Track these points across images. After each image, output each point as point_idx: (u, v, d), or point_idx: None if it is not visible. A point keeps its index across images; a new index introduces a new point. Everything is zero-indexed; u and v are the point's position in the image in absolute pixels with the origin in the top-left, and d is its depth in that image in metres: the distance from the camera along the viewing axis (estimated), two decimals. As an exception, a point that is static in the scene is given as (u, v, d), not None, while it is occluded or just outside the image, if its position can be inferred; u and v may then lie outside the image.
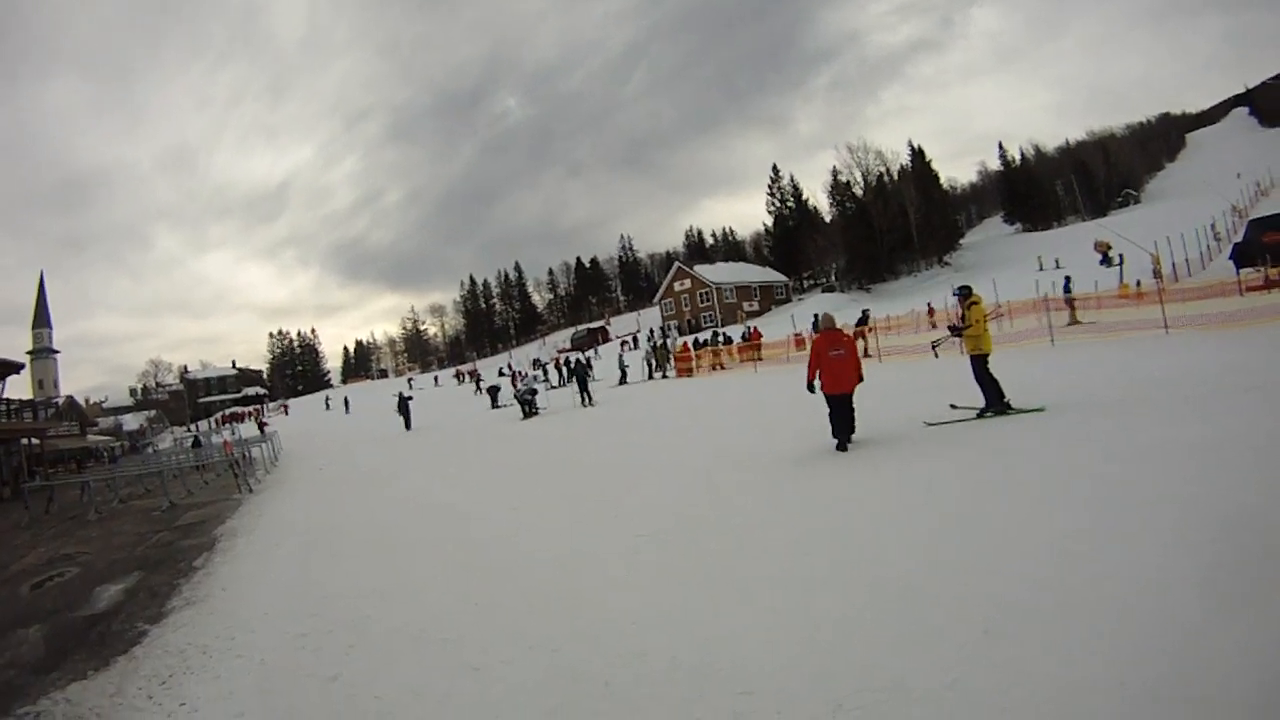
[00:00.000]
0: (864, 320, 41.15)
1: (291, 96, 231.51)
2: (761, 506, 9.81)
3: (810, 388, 12.86)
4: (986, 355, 13.59)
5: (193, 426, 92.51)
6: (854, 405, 12.75)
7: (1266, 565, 5.22)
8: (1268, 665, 4.08)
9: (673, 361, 46.14)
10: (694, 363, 44.73)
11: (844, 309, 70.05)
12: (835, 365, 12.69)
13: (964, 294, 14.37)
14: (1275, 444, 8.26)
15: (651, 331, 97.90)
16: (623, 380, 44.34)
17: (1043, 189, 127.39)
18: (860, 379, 12.87)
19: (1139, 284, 40.79)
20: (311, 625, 7.34)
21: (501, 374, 62.30)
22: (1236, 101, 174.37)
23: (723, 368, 43.48)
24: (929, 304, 55.56)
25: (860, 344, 30.47)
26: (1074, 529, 6.81)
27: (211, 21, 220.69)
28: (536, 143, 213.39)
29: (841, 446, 12.44)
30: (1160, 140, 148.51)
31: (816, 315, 24.54)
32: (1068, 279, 39.55)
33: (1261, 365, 14.27)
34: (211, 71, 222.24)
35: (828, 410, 12.75)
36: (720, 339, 51.98)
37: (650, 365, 46.19)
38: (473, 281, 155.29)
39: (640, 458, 15.88)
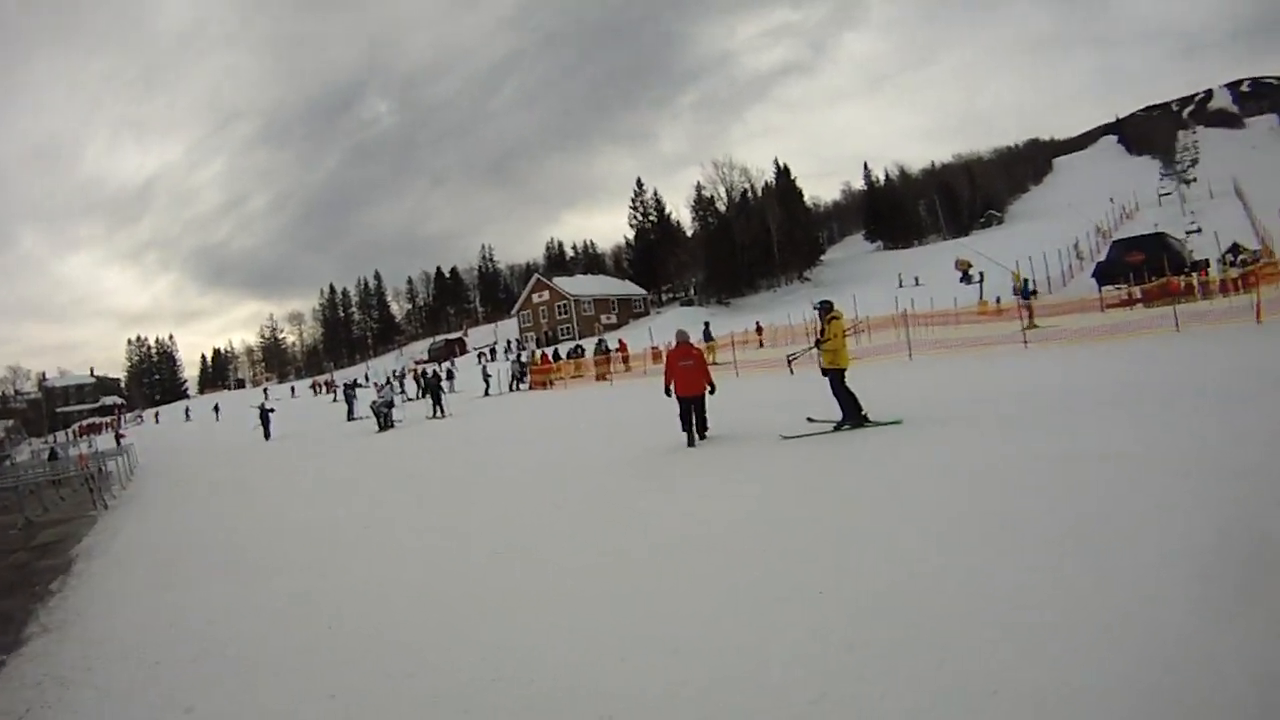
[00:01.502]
0: (707, 335, 43.29)
1: (164, 91, 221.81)
2: (618, 509, 10.73)
3: (666, 392, 15.55)
4: (844, 369, 14.30)
5: (50, 438, 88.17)
6: (705, 408, 15.38)
7: (1112, 574, 5.70)
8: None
9: (528, 374, 46.15)
10: (552, 375, 45.19)
11: (701, 323, 71.66)
12: (685, 374, 15.35)
13: (824, 308, 15.19)
14: (1124, 455, 9.07)
15: (510, 343, 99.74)
16: (486, 392, 44.63)
17: (905, 209, 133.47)
18: (711, 387, 15.52)
19: (998, 301, 42.45)
20: (168, 654, 7.21)
21: (359, 385, 61.42)
22: (1106, 130, 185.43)
23: (598, 378, 43.65)
24: (756, 322, 57.04)
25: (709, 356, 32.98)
26: (911, 538, 7.34)
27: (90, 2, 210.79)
28: (404, 150, 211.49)
29: (691, 442, 14.92)
30: (1026, 164, 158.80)
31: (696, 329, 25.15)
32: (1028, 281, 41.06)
33: (1117, 379, 15.61)
34: (85, 58, 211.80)
35: (679, 411, 15.29)
36: (579, 351, 52.22)
37: (514, 377, 46.13)
38: (332, 290, 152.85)
39: (495, 470, 16.55)
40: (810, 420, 14.76)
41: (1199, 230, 72.43)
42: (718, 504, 10.09)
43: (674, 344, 16.69)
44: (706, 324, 49.09)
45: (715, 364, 32.25)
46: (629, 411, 23.12)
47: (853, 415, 13.92)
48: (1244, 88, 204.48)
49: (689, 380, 15.29)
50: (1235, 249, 50.71)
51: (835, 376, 14.18)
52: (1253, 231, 64.06)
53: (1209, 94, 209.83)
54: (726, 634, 5.66)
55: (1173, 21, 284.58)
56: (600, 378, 42.01)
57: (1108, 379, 15.94)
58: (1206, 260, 49.53)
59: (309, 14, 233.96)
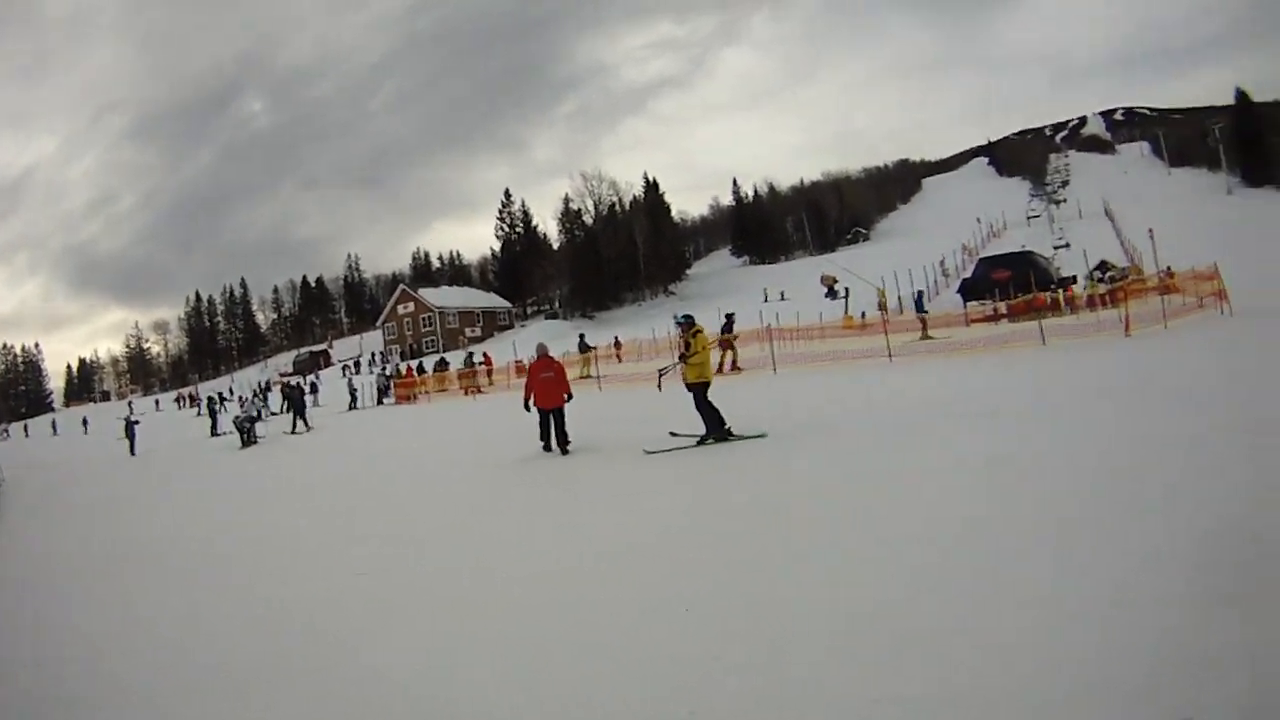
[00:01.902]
0: (584, 347, 42.83)
1: (45, 80, 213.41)
2: (481, 518, 11.13)
3: (526, 405, 16.10)
4: (708, 383, 14.33)
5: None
6: (565, 420, 15.84)
7: (985, 578, 5.83)
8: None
9: (393, 388, 44.87)
10: (417, 389, 44.48)
11: (566, 336, 71.90)
12: (546, 385, 15.99)
13: (687, 323, 15.16)
14: (987, 465, 9.51)
15: (374, 356, 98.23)
16: (353, 405, 43.64)
17: (773, 225, 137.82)
18: (569, 396, 16.06)
19: (864, 316, 42.38)
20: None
21: (225, 399, 58.94)
22: (978, 152, 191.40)
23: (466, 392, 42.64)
24: (615, 336, 56.48)
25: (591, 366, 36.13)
26: (771, 550, 7.40)
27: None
28: (277, 152, 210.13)
29: (548, 449, 15.77)
30: (896, 184, 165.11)
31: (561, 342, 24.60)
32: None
33: (976, 391, 16.39)
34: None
35: (539, 422, 15.95)
36: (444, 365, 51.01)
37: (380, 390, 44.47)
38: (198, 297, 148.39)
39: (359, 484, 16.69)
40: (674, 434, 14.64)
41: (1067, 245, 75.78)
42: (581, 521, 10.03)
43: (535, 357, 17.04)
44: (582, 335, 48.51)
45: (590, 376, 33.68)
46: (492, 425, 23.24)
47: (716, 429, 13.93)
48: (1118, 115, 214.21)
49: (549, 393, 15.91)
50: (1103, 266, 53.13)
51: (698, 391, 14.22)
52: (1121, 250, 67.10)
53: (1083, 120, 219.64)
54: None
55: (1053, 49, 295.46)
56: (468, 391, 41.51)
57: (971, 390, 16.71)
58: (1073, 277, 51.45)
59: (191, 5, 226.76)
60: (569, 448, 15.61)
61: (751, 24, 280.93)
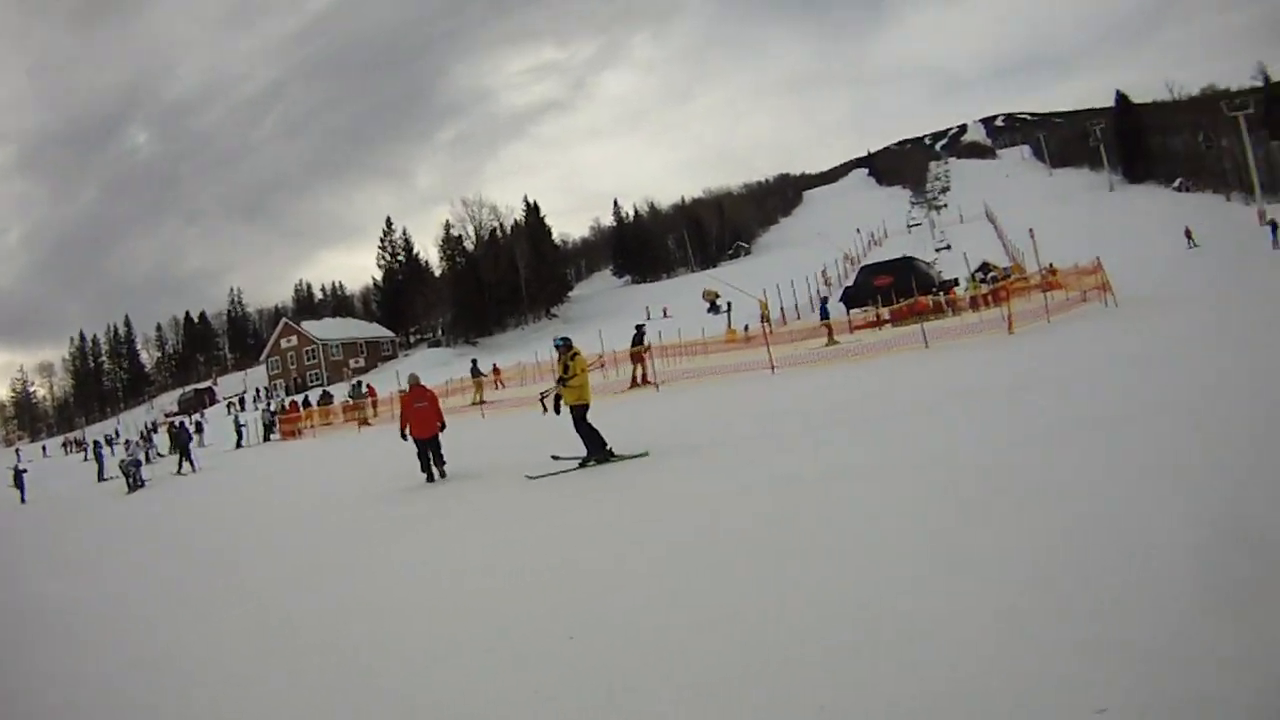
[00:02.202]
0: (476, 371, 43.23)
1: None
2: (363, 552, 10.96)
3: (403, 435, 16.31)
4: (587, 405, 14.26)
5: None
6: (440, 446, 16.07)
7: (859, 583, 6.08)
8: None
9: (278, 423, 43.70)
10: (302, 424, 43.76)
11: (450, 364, 73.07)
12: (420, 415, 16.23)
13: (565, 345, 15.01)
14: (866, 472, 9.55)
15: (259, 392, 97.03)
16: (239, 444, 42.43)
17: (654, 243, 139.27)
18: (442, 426, 16.28)
19: (747, 329, 42.49)
20: None
21: (111, 441, 56.97)
22: (858, 163, 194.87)
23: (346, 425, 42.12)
24: (494, 364, 55.52)
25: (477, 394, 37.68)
26: (644, 574, 7.31)
27: None
28: (162, 184, 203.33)
29: (431, 479, 15.86)
30: (776, 197, 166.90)
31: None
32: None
33: (855, 400, 16.49)
34: None
35: (417, 452, 16.07)
36: (328, 398, 50.00)
37: (266, 427, 43.10)
38: (82, 337, 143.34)
39: (246, 525, 16.25)
40: (555, 458, 14.57)
41: (948, 246, 77.64)
42: (467, 548, 9.94)
43: (408, 387, 17.42)
44: (474, 361, 48.40)
45: (485, 401, 34.17)
46: (375, 457, 23.06)
47: (597, 450, 13.87)
48: (998, 122, 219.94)
49: (424, 421, 16.17)
50: (985, 267, 54.71)
51: (578, 413, 14.17)
52: (1004, 251, 68.71)
53: (963, 128, 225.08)
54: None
55: (933, 63, 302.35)
56: (360, 424, 40.69)
57: (850, 398, 16.83)
58: (955, 280, 52.78)
59: (81, 33, 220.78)
60: (445, 470, 15.96)
61: (632, 46, 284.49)
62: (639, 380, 29.24)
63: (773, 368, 25.79)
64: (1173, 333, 18.00)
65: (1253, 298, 23.13)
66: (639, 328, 32.35)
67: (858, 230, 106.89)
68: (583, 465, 13.76)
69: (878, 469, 9.61)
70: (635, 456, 13.60)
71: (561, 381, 14.50)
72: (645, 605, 6.39)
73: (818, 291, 64.85)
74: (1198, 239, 55.33)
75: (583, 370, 14.49)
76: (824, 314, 36.51)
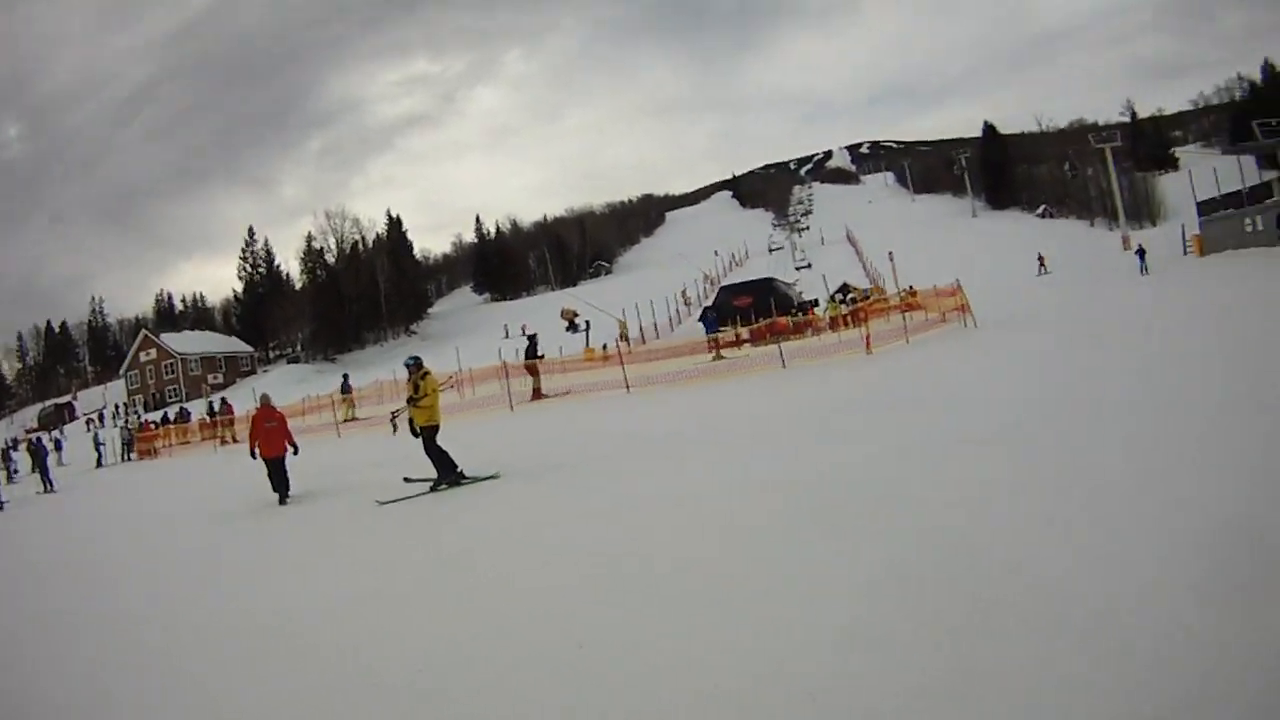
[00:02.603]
0: (347, 388, 42.24)
1: None
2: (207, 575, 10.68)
3: (252, 454, 16.24)
4: (438, 427, 14.14)
5: None
6: (287, 468, 15.99)
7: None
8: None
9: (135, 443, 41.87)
10: (158, 442, 41.53)
11: (309, 380, 72.44)
12: (270, 435, 16.17)
13: (415, 365, 14.78)
14: (718, 494, 9.67)
15: (118, 407, 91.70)
16: (99, 462, 40.46)
17: (516, 260, 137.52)
18: (294, 448, 16.26)
19: (605, 348, 42.12)
20: None
21: None
22: (723, 186, 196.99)
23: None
24: (345, 376, 54.76)
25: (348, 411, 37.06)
26: (484, 606, 7.17)
27: None
28: (28, 184, 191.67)
29: (282, 500, 15.71)
30: (639, 217, 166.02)
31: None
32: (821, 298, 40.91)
33: (710, 420, 16.66)
34: None
35: (267, 473, 16.01)
36: (185, 415, 47.99)
37: (125, 445, 41.33)
38: None
39: (106, 547, 15.09)
40: (407, 480, 14.30)
41: (809, 265, 78.76)
42: (320, 580, 9.40)
43: (259, 406, 17.39)
44: (346, 376, 46.39)
45: (356, 418, 33.86)
46: (230, 478, 22.65)
47: (448, 473, 13.75)
48: (864, 149, 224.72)
49: (273, 442, 16.18)
50: (845, 289, 55.42)
51: (428, 434, 14.03)
52: (864, 273, 68.55)
53: (829, 154, 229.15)
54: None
55: (800, 90, 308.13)
56: (222, 441, 38.79)
57: (706, 417, 17.11)
58: (815, 300, 54.25)
59: None
60: (288, 497, 15.82)
61: (505, 62, 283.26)
62: (538, 392, 28.96)
63: (627, 387, 25.91)
64: (1027, 351, 18.72)
65: (1107, 319, 23.80)
66: (531, 338, 31.89)
67: (716, 253, 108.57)
68: (434, 489, 13.60)
69: (726, 490, 9.70)
70: (486, 479, 13.53)
71: (412, 402, 14.37)
72: (448, 638, 6.39)
73: (676, 312, 65.99)
74: (1050, 266, 57.18)
75: (433, 391, 14.38)
76: (710, 328, 36.60)
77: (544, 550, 8.75)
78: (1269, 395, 9.62)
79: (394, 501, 13.35)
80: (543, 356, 31.24)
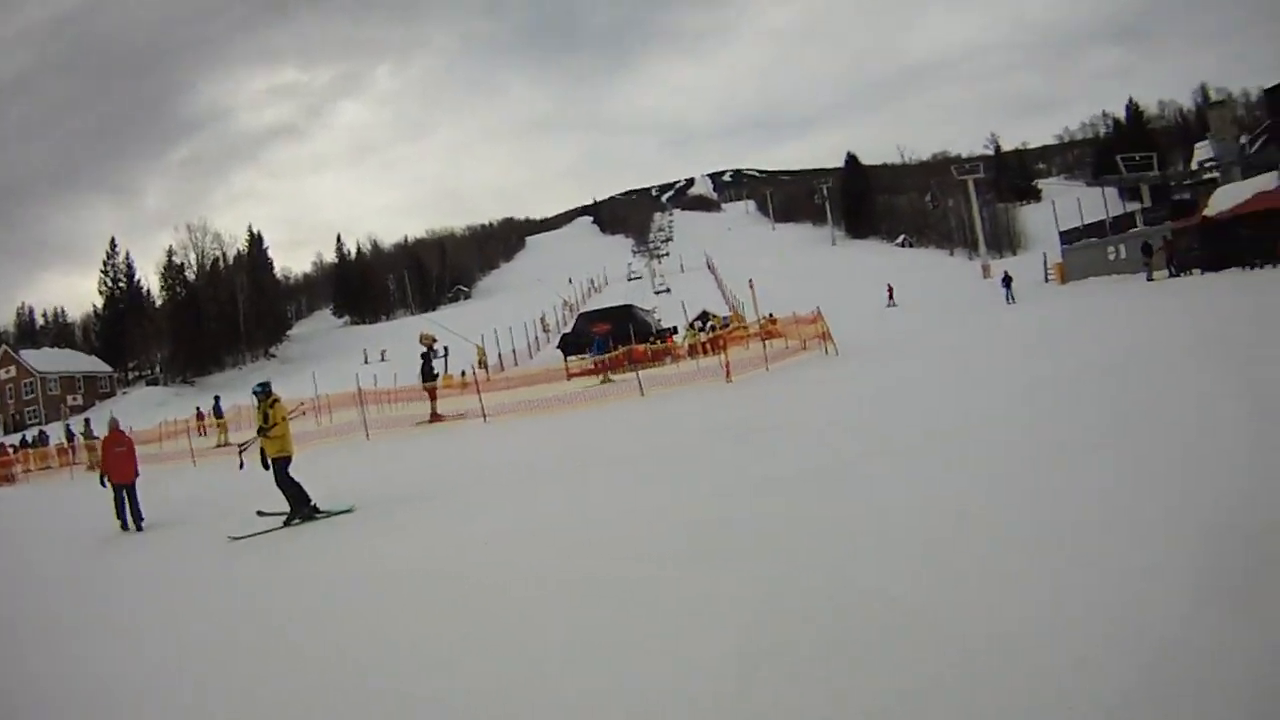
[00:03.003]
0: (220, 411, 41.15)
1: None
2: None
3: (102, 481, 15.93)
4: (289, 458, 13.57)
5: None
6: (137, 495, 15.73)
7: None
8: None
9: None
10: (14, 468, 39.48)
11: (169, 404, 70.73)
12: (118, 460, 15.99)
13: (264, 392, 14.21)
14: (575, 526, 9.65)
15: None
16: None
17: (376, 283, 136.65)
18: (137, 473, 16.08)
19: (463, 374, 41.87)
20: None
21: None
22: (584, 211, 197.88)
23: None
24: (197, 407, 53.33)
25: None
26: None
27: None
28: None
29: (125, 527, 15.45)
30: (499, 241, 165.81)
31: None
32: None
33: (564, 452, 16.62)
34: None
35: (113, 498, 15.65)
36: (42, 438, 46.08)
37: None
38: None
39: None
40: (261, 514, 13.68)
41: (668, 289, 78.33)
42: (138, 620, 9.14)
43: (109, 430, 16.91)
44: (217, 398, 44.66)
45: (229, 444, 31.67)
46: (86, 506, 20.57)
47: (301, 506, 13.25)
48: (726, 177, 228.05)
49: (121, 467, 15.93)
50: (705, 316, 55.73)
51: (279, 466, 13.45)
52: (724, 300, 69.19)
53: (691, 181, 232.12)
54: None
55: (665, 118, 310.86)
56: (91, 466, 36.38)
57: (560, 449, 17.08)
58: (674, 328, 54.59)
59: None
60: (142, 524, 15.50)
61: (375, 76, 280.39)
62: (436, 415, 28.25)
63: (484, 416, 25.66)
64: (888, 378, 19.05)
65: (972, 345, 24.43)
66: (424, 356, 31.27)
67: (570, 279, 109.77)
68: (287, 523, 13.10)
69: (583, 522, 9.65)
70: (340, 512, 13.12)
71: (262, 432, 13.70)
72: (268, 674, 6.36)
73: (535, 339, 66.34)
74: (897, 298, 58.04)
75: (283, 419, 13.76)
76: (598, 349, 36.47)
77: (398, 591, 8.39)
78: (1132, 417, 9.94)
79: (246, 537, 12.83)
80: (437, 376, 30.86)
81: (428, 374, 30.01)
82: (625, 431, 18.27)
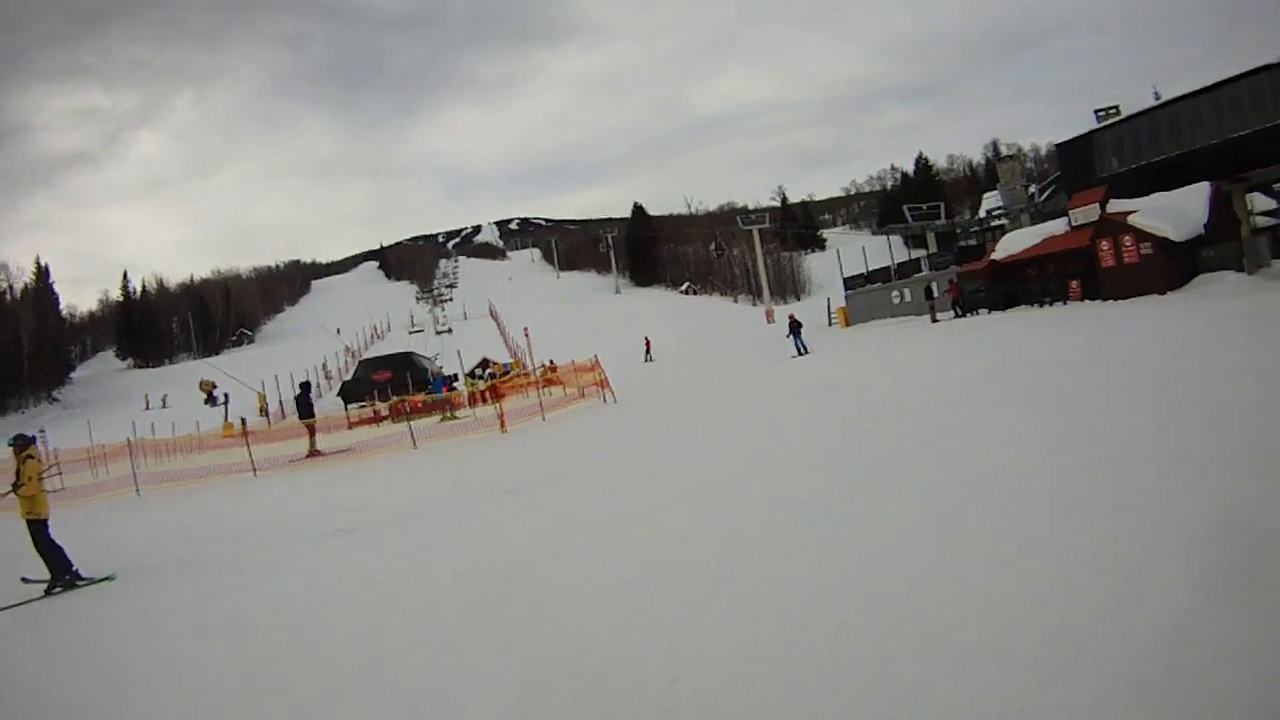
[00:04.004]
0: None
1: None
2: None
3: None
4: (43, 520, 12.22)
5: None
6: None
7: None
8: None
9: None
10: None
11: None
12: None
13: (19, 444, 12.78)
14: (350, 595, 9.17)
15: None
16: None
17: (160, 324, 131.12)
18: None
19: (244, 422, 40.49)
20: None
21: None
22: (370, 256, 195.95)
23: None
24: (34, 437, 50.51)
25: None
26: None
27: None
28: None
29: None
30: (285, 284, 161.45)
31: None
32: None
33: (337, 510, 15.49)
34: None
35: None
36: None
37: None
38: None
39: None
40: (25, 580, 12.15)
41: (450, 330, 77.33)
42: None
43: None
44: (35, 437, 41.26)
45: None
46: None
47: (61, 574, 12.01)
48: (513, 225, 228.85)
49: None
50: (485, 364, 55.21)
51: (34, 529, 12.18)
52: (505, 347, 68.78)
53: (477, 229, 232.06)
54: None
55: (454, 164, 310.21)
56: None
57: (333, 505, 16.03)
58: (455, 375, 53.98)
59: None
60: None
61: (175, 105, 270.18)
62: (315, 451, 26.75)
63: (254, 470, 24.15)
64: (654, 429, 19.36)
65: (759, 392, 24.73)
66: (303, 385, 29.58)
67: (338, 330, 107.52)
68: (49, 592, 11.92)
69: (330, 596, 9.12)
70: (100, 581, 12.01)
71: (15, 488, 12.50)
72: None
73: (318, 386, 64.09)
74: (654, 354, 56.38)
75: (36, 476, 12.45)
76: (436, 388, 35.84)
77: (165, 674, 7.50)
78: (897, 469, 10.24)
79: (8, 608, 11.54)
80: (313, 415, 28.60)
81: (305, 410, 28.13)
82: (390, 487, 17.73)
